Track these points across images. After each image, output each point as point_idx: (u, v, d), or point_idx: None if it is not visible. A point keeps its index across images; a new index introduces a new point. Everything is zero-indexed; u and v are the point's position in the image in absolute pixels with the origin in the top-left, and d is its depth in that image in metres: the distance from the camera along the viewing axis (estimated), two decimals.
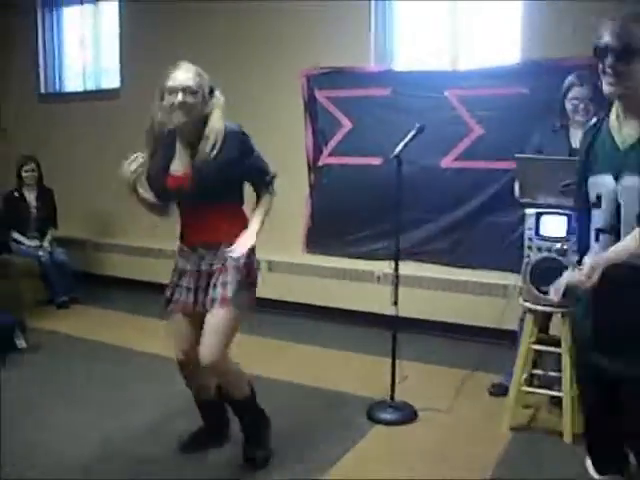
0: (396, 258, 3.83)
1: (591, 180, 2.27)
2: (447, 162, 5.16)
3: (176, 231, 3.11)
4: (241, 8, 5.78)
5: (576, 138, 3.73)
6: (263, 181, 3.09)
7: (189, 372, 3.13)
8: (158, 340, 4.31)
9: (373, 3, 5.42)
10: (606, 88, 2.15)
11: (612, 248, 2.20)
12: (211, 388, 3.26)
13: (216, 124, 2.89)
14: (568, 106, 3.76)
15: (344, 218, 5.60)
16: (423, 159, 4.99)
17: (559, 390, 3.51)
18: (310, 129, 5.64)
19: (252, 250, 2.98)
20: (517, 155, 3.56)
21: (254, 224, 2.99)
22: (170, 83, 2.84)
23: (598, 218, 2.28)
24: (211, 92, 2.95)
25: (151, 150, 3.01)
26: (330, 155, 5.59)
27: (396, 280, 3.81)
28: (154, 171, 2.98)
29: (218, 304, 2.89)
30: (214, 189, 2.91)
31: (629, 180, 2.12)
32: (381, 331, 4.39)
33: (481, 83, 4.97)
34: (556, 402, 3.74)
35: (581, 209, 2.43)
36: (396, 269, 3.81)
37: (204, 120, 2.91)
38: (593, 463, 2.67)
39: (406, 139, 3.76)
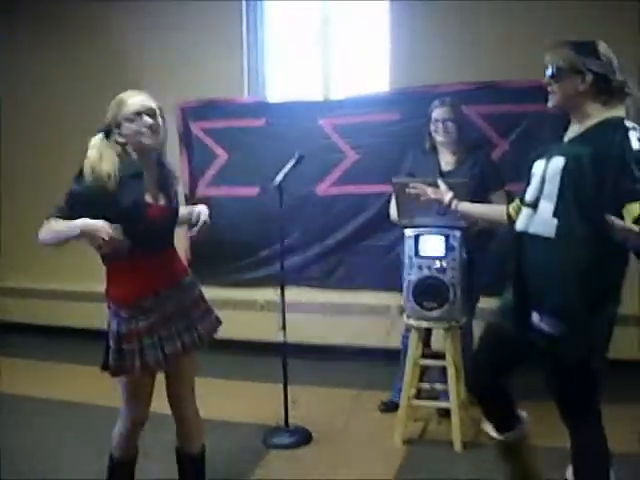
0: (282, 284, 3.90)
1: (534, 165, 2.59)
2: (323, 189, 5.27)
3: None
4: (114, 38, 5.74)
5: (445, 161, 3.95)
6: None
7: (138, 431, 2.91)
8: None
9: (245, 35, 5.51)
10: (549, 103, 2.54)
11: (477, 206, 3.03)
12: (135, 446, 3.00)
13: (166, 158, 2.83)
14: (431, 127, 3.95)
15: (223, 248, 5.57)
16: (299, 187, 5.00)
17: (446, 401, 3.67)
18: (186, 161, 5.62)
19: None
20: (394, 179, 3.66)
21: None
22: (131, 108, 2.63)
23: (527, 194, 2.58)
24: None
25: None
26: (208, 186, 5.59)
27: (283, 305, 3.88)
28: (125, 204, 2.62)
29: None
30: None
31: (555, 160, 2.43)
32: (269, 358, 4.42)
33: (354, 111, 5.11)
34: (443, 413, 3.91)
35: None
36: (282, 294, 3.88)
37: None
38: (491, 424, 2.88)
39: (286, 168, 3.84)
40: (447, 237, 3.54)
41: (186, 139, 5.60)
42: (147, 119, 2.63)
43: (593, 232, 2.32)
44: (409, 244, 3.65)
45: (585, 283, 2.36)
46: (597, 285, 2.37)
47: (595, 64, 2.41)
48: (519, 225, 2.58)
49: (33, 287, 6.25)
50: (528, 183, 2.62)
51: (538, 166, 2.56)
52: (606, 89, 2.43)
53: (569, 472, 2.58)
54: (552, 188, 2.42)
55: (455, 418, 3.58)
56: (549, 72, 2.48)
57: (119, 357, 2.65)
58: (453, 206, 3.02)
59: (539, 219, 2.47)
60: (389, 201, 4.14)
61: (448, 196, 3.05)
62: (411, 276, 3.64)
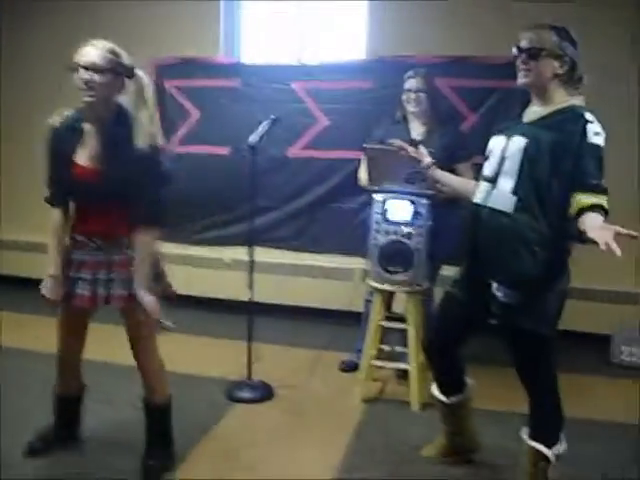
0: (250, 243, 3.97)
1: (491, 140, 2.72)
2: (293, 151, 5.32)
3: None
4: None
5: (415, 129, 4.04)
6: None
7: (72, 363, 3.06)
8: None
9: None
10: (519, 80, 2.60)
11: (451, 176, 3.17)
12: (80, 383, 3.19)
13: (138, 115, 2.65)
14: (403, 97, 4.04)
15: (192, 206, 5.59)
16: (270, 149, 5.05)
17: (406, 363, 3.79)
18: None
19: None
20: (366, 145, 3.75)
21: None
22: (75, 59, 2.61)
23: (485, 168, 2.71)
24: (131, 74, 2.70)
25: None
26: (180, 144, 5.60)
27: (251, 264, 3.95)
28: (54, 158, 2.77)
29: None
30: (124, 188, 2.69)
31: (516, 139, 2.55)
32: (234, 316, 4.51)
33: (328, 77, 5.16)
34: (401, 375, 4.05)
35: None
36: (251, 254, 3.95)
37: (118, 104, 2.70)
38: (439, 388, 3.07)
39: (260, 129, 3.89)
40: (414, 203, 3.63)
41: (159, 96, 5.57)
42: (81, 73, 2.60)
43: (547, 210, 2.48)
44: (377, 208, 3.74)
45: (538, 257, 2.50)
46: (549, 259, 2.52)
47: (571, 50, 2.54)
48: (477, 198, 2.70)
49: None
50: (486, 158, 2.74)
51: (497, 142, 2.67)
52: (572, 76, 2.56)
53: (524, 433, 2.75)
54: (512, 166, 2.54)
55: (413, 379, 3.72)
56: (526, 51, 2.55)
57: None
58: (430, 170, 3.12)
59: (498, 194, 2.59)
60: (359, 166, 4.22)
61: (428, 159, 3.13)
62: (378, 240, 3.73)
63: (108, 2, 5.61)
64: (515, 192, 2.53)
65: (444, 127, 4.03)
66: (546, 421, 2.73)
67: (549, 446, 2.66)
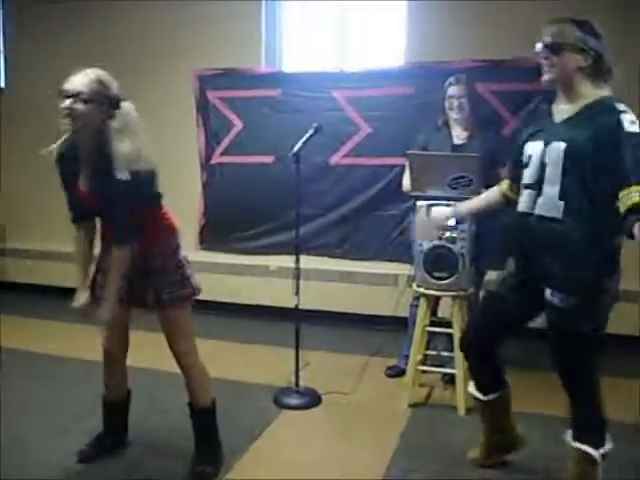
0: (297, 250, 4.01)
1: (527, 146, 2.69)
2: (336, 159, 5.38)
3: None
4: (134, 8, 5.81)
5: (457, 135, 4.05)
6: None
7: (113, 367, 3.16)
8: (57, 342, 4.32)
9: (264, 5, 5.57)
10: (544, 77, 2.60)
11: (474, 201, 3.18)
12: (125, 389, 3.29)
13: (118, 145, 2.67)
14: (446, 104, 4.05)
15: (237, 215, 5.72)
16: (313, 157, 5.12)
17: (452, 367, 3.80)
18: (202, 129, 5.72)
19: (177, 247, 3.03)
20: (409, 151, 3.80)
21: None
22: (63, 87, 2.66)
23: (526, 176, 2.68)
24: (117, 106, 2.73)
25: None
26: (222, 154, 5.70)
27: (297, 271, 4.00)
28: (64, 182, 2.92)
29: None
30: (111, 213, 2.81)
31: (555, 145, 2.52)
32: (280, 323, 4.58)
33: (368, 84, 5.20)
34: (448, 380, 4.06)
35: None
36: (297, 260, 3.99)
37: (100, 133, 2.72)
38: (477, 387, 3.08)
39: (304, 138, 3.93)
40: None
41: (203, 107, 5.69)
42: (64, 102, 2.64)
43: (596, 208, 2.46)
44: (421, 214, 3.75)
45: (591, 259, 2.50)
46: (602, 260, 2.51)
47: (594, 43, 2.52)
48: (522, 206, 2.69)
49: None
50: (518, 162, 2.74)
51: (534, 149, 2.64)
52: (599, 68, 2.54)
53: (568, 435, 2.74)
54: (555, 172, 2.52)
55: (459, 384, 3.71)
56: (548, 46, 2.55)
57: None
58: (457, 217, 3.26)
59: (545, 201, 2.58)
60: (401, 173, 4.25)
61: (451, 219, 3.26)
62: (422, 246, 3.76)
63: (153, 16, 5.72)
64: (562, 197, 2.52)
65: (486, 132, 4.04)
66: (590, 422, 2.71)
67: (595, 447, 2.65)
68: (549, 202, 2.56)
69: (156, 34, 5.72)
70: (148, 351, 3.73)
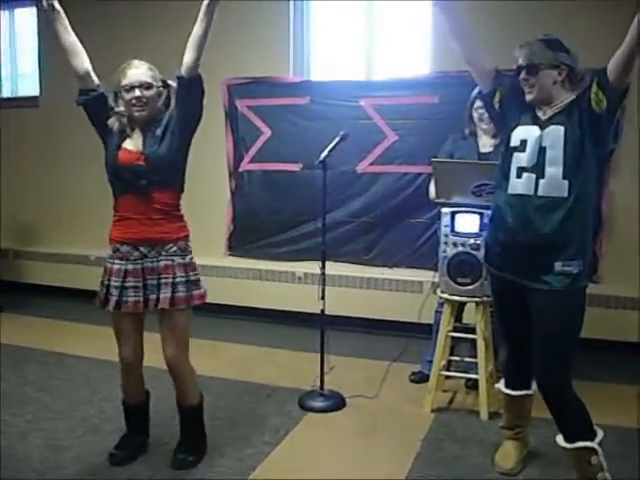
0: (323, 256, 4.07)
1: (516, 131, 2.85)
2: (363, 167, 5.44)
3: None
4: (163, 16, 5.91)
5: (483, 144, 4.09)
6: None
7: (130, 373, 3.23)
8: (88, 344, 4.41)
9: (292, 15, 5.65)
10: (527, 97, 2.82)
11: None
12: (143, 392, 3.37)
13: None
14: (474, 115, 4.07)
15: (265, 222, 5.81)
16: (340, 164, 5.23)
17: (475, 373, 3.83)
18: (231, 137, 5.83)
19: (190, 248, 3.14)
20: (434, 159, 3.84)
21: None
22: (125, 81, 2.96)
23: (521, 160, 2.81)
24: (165, 85, 3.09)
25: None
26: (250, 161, 5.79)
27: (323, 277, 4.06)
28: (108, 151, 3.06)
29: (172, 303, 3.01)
30: (165, 170, 3.00)
31: (553, 129, 2.73)
32: (306, 328, 4.65)
33: (394, 92, 5.27)
34: (471, 385, 4.09)
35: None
36: (323, 266, 4.05)
37: (161, 110, 3.07)
38: (506, 383, 3.23)
39: (331, 145, 3.99)
40: (481, 215, 3.68)
41: (231, 115, 5.79)
42: (137, 92, 2.96)
43: (592, 183, 2.77)
44: (445, 221, 3.80)
45: (590, 222, 2.82)
46: (592, 222, 2.87)
47: (565, 57, 2.75)
48: (522, 188, 2.81)
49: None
50: (513, 149, 2.86)
51: (529, 134, 2.80)
52: (572, 79, 2.78)
53: (560, 440, 2.84)
54: (556, 153, 2.72)
55: (482, 389, 3.75)
56: (525, 67, 2.77)
57: (101, 291, 3.07)
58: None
59: (549, 182, 2.74)
60: (429, 180, 4.29)
61: None
62: (446, 252, 3.80)
63: (185, 27, 5.80)
64: (566, 177, 2.71)
65: None
66: (576, 417, 2.81)
67: (591, 439, 2.77)
68: (553, 183, 2.73)
69: (184, 42, 5.78)
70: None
